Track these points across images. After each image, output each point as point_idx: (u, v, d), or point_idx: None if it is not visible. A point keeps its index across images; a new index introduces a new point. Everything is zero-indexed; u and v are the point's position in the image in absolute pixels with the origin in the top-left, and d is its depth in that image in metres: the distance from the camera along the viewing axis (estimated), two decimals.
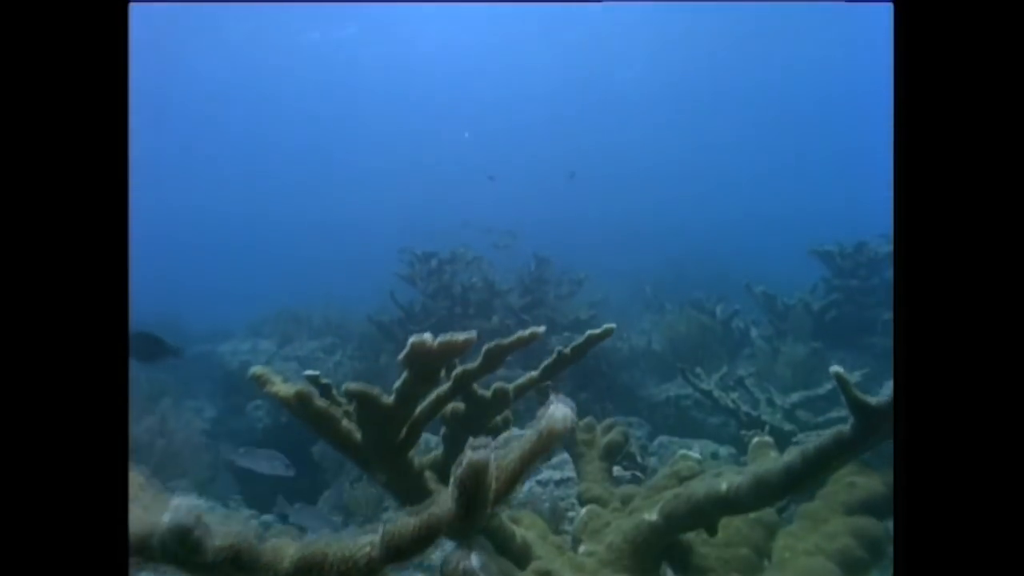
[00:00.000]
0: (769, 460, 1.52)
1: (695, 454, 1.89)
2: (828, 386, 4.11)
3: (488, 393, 1.29)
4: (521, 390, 1.33)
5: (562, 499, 2.70)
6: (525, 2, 18.66)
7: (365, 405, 1.07)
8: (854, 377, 3.81)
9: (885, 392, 3.97)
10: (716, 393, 4.07)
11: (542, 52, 22.37)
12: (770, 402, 4.12)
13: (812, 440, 1.24)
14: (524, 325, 4.98)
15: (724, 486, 1.50)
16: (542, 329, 1.21)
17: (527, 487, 2.67)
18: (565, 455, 2.90)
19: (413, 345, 0.97)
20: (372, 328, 6.05)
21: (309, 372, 1.39)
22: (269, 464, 2.62)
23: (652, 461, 4.28)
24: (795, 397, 4.16)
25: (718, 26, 20.06)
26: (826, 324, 5.27)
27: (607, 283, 10.51)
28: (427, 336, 0.97)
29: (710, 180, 31.65)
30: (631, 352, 6.39)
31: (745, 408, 3.77)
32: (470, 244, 6.42)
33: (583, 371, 4.86)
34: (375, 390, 1.09)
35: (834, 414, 3.98)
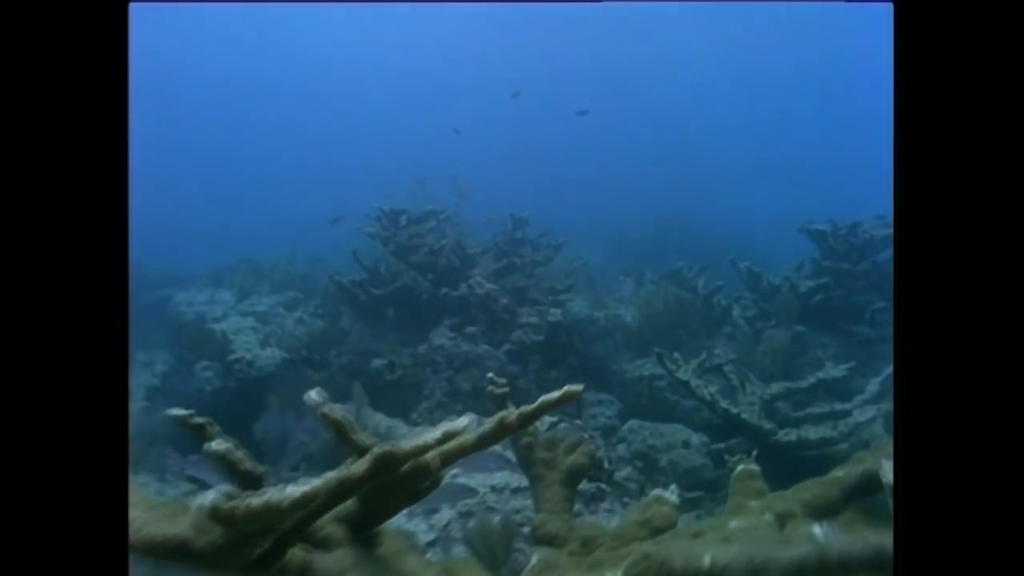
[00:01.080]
0: (767, 534, 1.24)
1: (671, 495, 1.60)
2: (811, 379, 3.89)
3: (406, 467, 0.96)
4: (450, 458, 0.99)
5: (517, 511, 2.43)
6: (526, 2, 18.33)
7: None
8: (839, 371, 3.54)
9: (871, 388, 3.56)
10: (693, 383, 3.81)
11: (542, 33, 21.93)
12: (748, 392, 3.89)
13: (837, 540, 0.94)
14: (491, 298, 4.65)
15: (707, 561, 1.20)
16: (464, 422, 0.87)
17: (480, 495, 2.40)
18: None
19: (212, 510, 0.63)
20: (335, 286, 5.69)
21: (175, 411, 1.04)
22: (220, 477, 2.32)
23: (620, 448, 4.05)
24: (775, 388, 3.92)
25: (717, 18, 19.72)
26: (812, 307, 5.02)
27: (588, 245, 10.19)
28: (226, 502, 0.62)
29: (701, 144, 31.39)
30: (607, 323, 6.12)
31: (724, 404, 3.51)
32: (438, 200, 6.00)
33: (554, 346, 4.57)
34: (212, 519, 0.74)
35: (814, 409, 3.76)
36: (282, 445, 3.20)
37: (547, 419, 3.11)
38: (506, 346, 4.23)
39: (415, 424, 3.69)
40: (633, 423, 4.37)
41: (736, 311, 5.48)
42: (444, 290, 4.58)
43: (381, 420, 3.47)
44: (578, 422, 3.06)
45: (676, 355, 4.05)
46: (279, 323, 6.39)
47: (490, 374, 2.18)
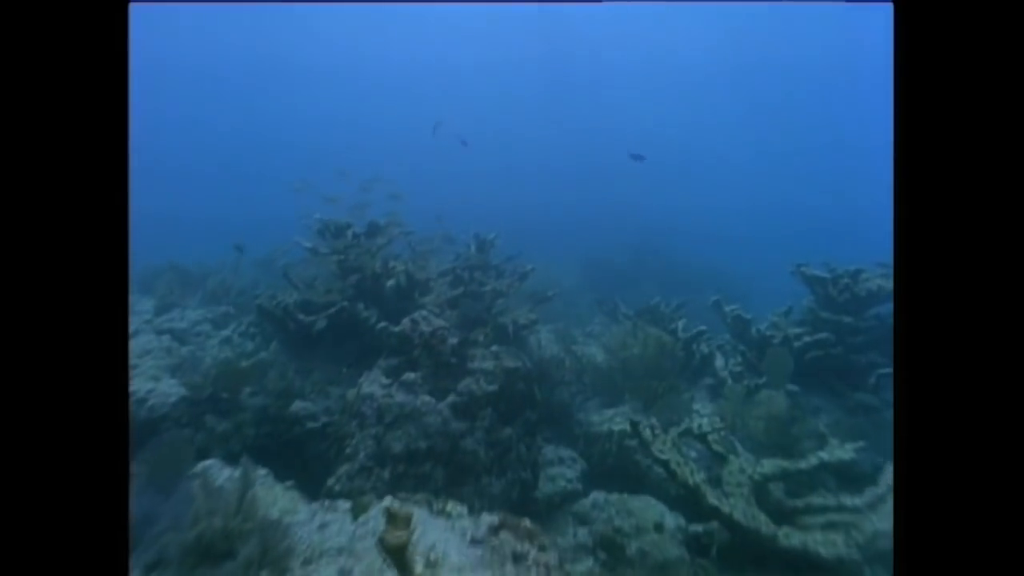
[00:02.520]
0: None
1: None
2: (812, 459, 3.25)
3: None
4: None
5: None
6: (526, 2, 18.09)
7: None
8: (846, 451, 2.88)
9: (886, 479, 2.75)
10: (674, 462, 3.14)
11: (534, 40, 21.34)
12: (736, 471, 3.23)
13: None
14: (438, 337, 3.92)
15: None
16: None
17: None
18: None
19: None
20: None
21: None
22: None
23: (580, 534, 3.35)
24: (768, 467, 3.27)
25: (717, 22, 19.35)
26: (806, 364, 4.41)
27: (557, 270, 9.53)
28: None
29: (683, 166, 30.87)
30: (575, 364, 5.45)
31: (711, 499, 2.83)
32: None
33: (510, 397, 3.87)
34: None
35: (816, 499, 3.12)
36: (141, 532, 2.43)
37: (487, 519, 2.39)
38: (451, 397, 3.51)
39: (327, 498, 2.94)
40: (598, 496, 3.68)
41: (719, 361, 4.85)
42: (382, 324, 3.84)
43: (278, 497, 2.71)
44: (526, 522, 2.36)
45: (653, 422, 3.38)
46: (200, 344, 5.58)
47: (387, 503, 1.47)
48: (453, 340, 3.77)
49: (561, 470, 4.24)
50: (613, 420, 4.57)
